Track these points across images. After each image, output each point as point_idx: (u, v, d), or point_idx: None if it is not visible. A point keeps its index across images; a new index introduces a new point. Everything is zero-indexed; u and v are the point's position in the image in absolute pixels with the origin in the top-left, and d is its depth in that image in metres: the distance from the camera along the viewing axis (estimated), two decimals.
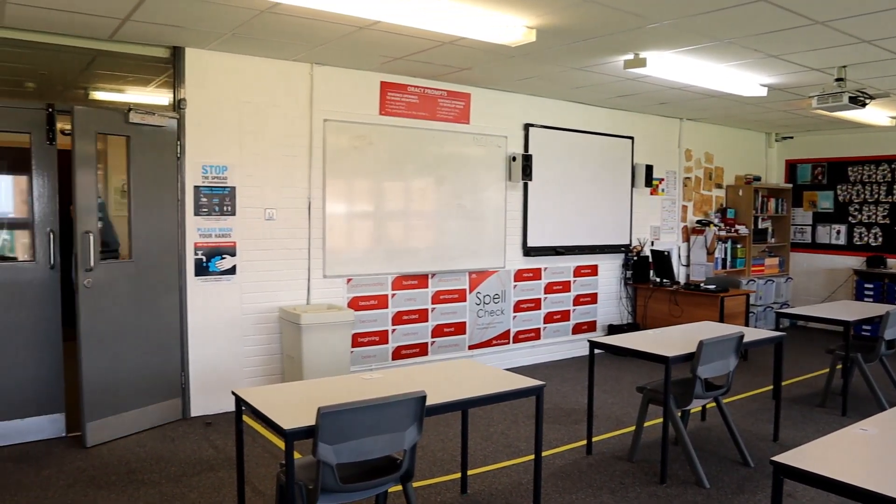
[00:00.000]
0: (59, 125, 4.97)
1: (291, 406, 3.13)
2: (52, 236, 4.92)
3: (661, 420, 4.51)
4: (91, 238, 4.75)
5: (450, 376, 3.81)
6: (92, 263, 4.76)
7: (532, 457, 4.74)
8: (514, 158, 7.01)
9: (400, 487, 3.23)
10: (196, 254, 5.41)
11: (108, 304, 4.92)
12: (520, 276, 7.33)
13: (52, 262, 4.93)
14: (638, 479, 4.42)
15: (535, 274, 7.47)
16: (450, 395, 3.37)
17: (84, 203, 4.79)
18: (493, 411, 5.68)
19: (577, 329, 7.91)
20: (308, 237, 5.88)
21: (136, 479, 4.34)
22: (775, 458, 2.49)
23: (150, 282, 5.17)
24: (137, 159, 5.11)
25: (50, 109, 4.89)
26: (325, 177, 5.91)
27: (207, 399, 5.53)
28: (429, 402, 3.05)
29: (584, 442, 4.98)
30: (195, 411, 5.50)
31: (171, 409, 5.37)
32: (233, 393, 3.36)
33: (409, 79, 6.35)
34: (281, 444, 4.87)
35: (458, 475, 4.37)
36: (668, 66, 5.54)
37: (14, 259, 5.00)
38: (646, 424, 4.81)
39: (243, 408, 3.36)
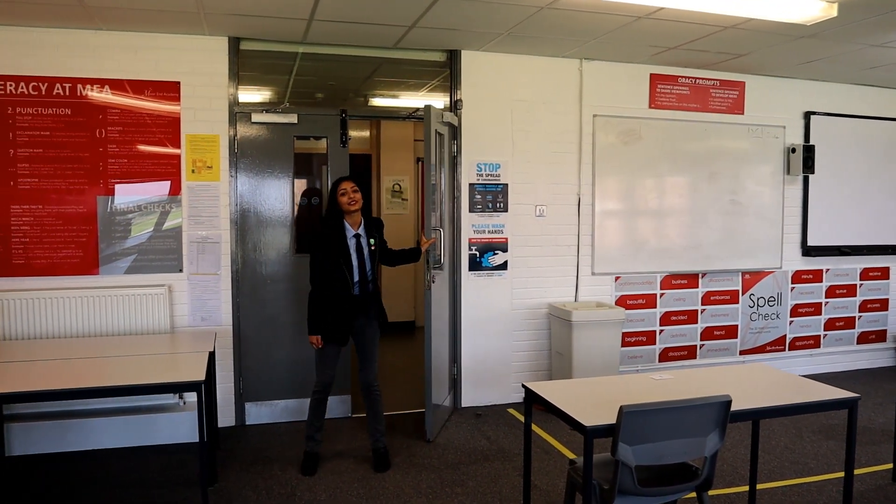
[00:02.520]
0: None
1: (584, 403, 3.08)
2: None
3: None
4: (442, 234, 4.98)
5: (743, 380, 3.57)
6: (442, 260, 5.00)
7: (826, 476, 4.33)
8: (792, 150, 6.45)
9: (691, 495, 3.05)
10: (471, 249, 5.59)
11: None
12: (798, 277, 6.72)
13: None
14: None
15: (816, 276, 6.81)
16: (748, 401, 3.14)
17: (432, 198, 4.98)
18: (773, 422, 5.24)
19: (863, 338, 7.10)
20: (577, 234, 5.85)
21: (417, 462, 4.56)
22: None
23: (438, 276, 5.38)
24: (442, 157, 5.32)
25: (343, 115, 5.31)
26: (595, 173, 5.84)
27: (476, 391, 5.70)
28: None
29: (889, 466, 4.43)
30: (465, 402, 5.69)
31: (444, 399, 5.57)
32: (523, 386, 3.38)
33: (679, 69, 6.07)
34: (553, 440, 4.90)
35: (745, 488, 4.06)
36: None
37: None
38: None
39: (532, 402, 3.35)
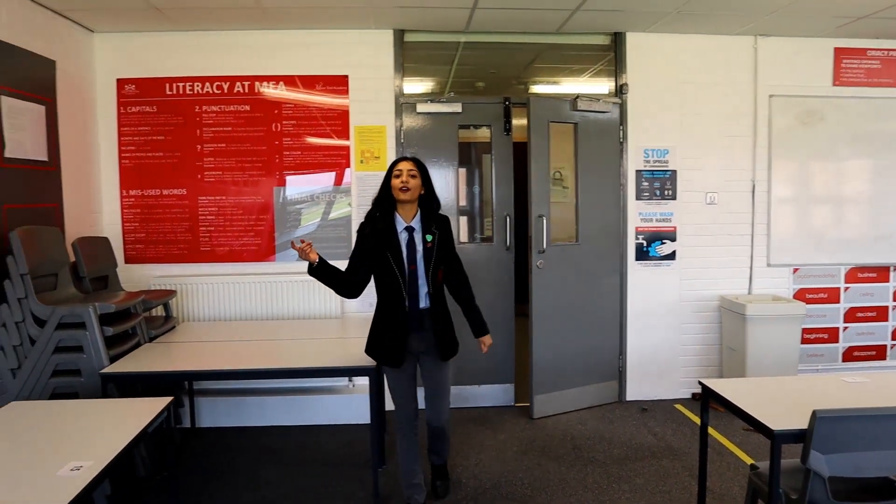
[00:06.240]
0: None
1: (769, 404, 2.88)
2: (508, 220, 5.31)
3: None
4: (544, 221, 5.00)
5: None
6: (545, 245, 5.02)
7: None
8: None
9: None
10: (637, 238, 5.41)
11: (557, 285, 5.14)
12: None
13: (508, 243, 5.33)
14: None
15: None
16: None
17: (538, 188, 5.04)
18: None
19: None
20: (751, 222, 5.50)
21: (582, 455, 4.46)
22: None
23: (593, 265, 5.31)
24: (583, 146, 5.24)
25: (507, 103, 5.29)
26: (771, 157, 5.46)
27: (642, 384, 5.51)
28: None
29: None
30: (630, 395, 5.52)
31: (608, 391, 5.46)
32: (700, 383, 3.22)
33: (868, 41, 5.54)
34: (725, 440, 4.65)
35: None
36: None
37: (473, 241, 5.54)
38: None
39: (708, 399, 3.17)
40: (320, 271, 3.37)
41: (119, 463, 2.40)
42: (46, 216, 4.33)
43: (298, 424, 5.02)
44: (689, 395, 5.50)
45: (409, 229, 3.43)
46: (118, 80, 5.11)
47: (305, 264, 3.37)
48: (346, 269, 3.46)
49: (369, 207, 3.53)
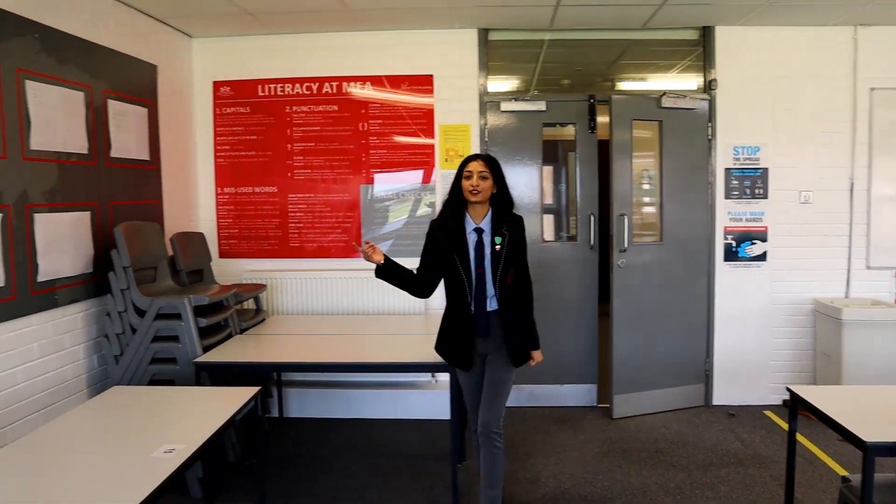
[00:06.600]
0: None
1: (862, 414, 2.76)
2: (592, 219, 5.27)
3: None
4: (626, 220, 4.95)
5: None
6: (626, 244, 4.96)
7: None
8: None
9: None
10: (726, 238, 5.26)
11: (639, 284, 5.09)
12: None
13: (591, 242, 5.29)
14: None
15: None
16: None
17: (620, 187, 5.00)
18: None
19: None
20: (849, 222, 5.24)
21: (664, 459, 4.38)
22: None
23: (678, 265, 5.22)
24: (668, 143, 5.16)
25: (591, 100, 5.24)
26: (872, 154, 5.20)
27: (730, 389, 5.36)
28: None
29: None
30: (717, 400, 5.38)
31: (694, 394, 5.33)
32: (788, 389, 3.11)
33: None
34: (817, 450, 4.48)
35: None
36: None
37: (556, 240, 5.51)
38: None
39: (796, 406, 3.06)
40: (387, 272, 3.35)
41: (209, 448, 2.52)
42: (147, 212, 4.57)
43: (381, 418, 5.13)
44: (779, 402, 5.31)
45: (479, 230, 3.29)
46: (214, 83, 5.35)
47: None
48: (418, 268, 3.39)
49: None
